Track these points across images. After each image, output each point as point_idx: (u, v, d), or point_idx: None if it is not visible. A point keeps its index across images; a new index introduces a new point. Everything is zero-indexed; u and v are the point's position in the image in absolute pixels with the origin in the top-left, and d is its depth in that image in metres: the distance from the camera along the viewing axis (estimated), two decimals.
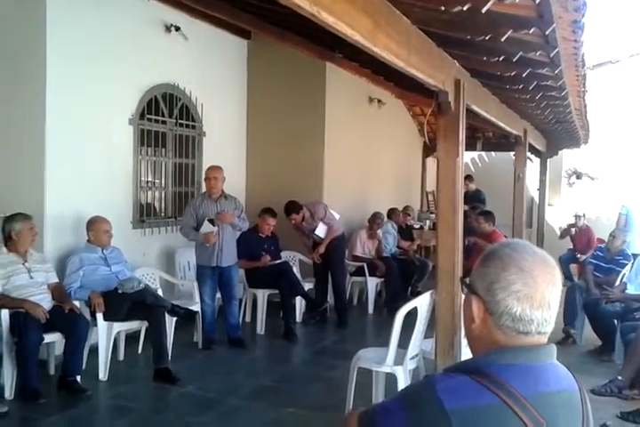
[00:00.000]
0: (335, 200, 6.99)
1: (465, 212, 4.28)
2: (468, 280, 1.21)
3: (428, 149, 11.13)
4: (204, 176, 6.39)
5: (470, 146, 10.01)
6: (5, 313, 4.18)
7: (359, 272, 7.08)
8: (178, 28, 5.94)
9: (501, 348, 1.13)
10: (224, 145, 6.91)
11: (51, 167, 4.80)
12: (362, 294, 7.45)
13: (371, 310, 7.01)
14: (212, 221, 5.24)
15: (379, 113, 8.71)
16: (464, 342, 3.27)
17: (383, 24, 2.35)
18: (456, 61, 3.52)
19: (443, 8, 2.28)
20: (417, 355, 3.73)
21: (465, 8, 2.19)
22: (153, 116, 5.85)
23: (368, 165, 8.07)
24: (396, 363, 3.56)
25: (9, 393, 4.12)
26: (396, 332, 3.47)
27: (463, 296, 1.23)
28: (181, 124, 6.26)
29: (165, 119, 6.05)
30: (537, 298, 1.12)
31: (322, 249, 6.31)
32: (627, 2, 20.54)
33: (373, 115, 8.58)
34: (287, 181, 7.14)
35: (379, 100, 8.60)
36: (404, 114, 10.56)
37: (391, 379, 3.65)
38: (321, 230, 6.35)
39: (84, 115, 5.08)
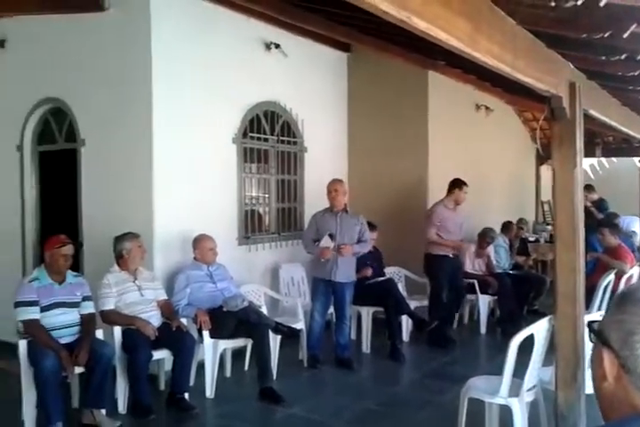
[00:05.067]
0: None
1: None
2: (597, 326, 0.99)
3: (542, 157, 10.50)
4: (307, 192, 6.42)
5: (589, 152, 9.33)
6: (118, 330, 4.34)
7: (470, 289, 6.71)
8: (277, 46, 5.99)
9: None
10: (325, 160, 6.86)
11: (158, 187, 4.96)
12: (473, 313, 7.07)
13: (483, 329, 6.62)
14: (331, 236, 5.18)
15: (486, 120, 8.32)
16: (588, 372, 2.93)
17: (484, 26, 2.14)
18: (570, 63, 3.20)
19: (553, 4, 2.04)
20: (534, 386, 3.39)
21: (579, 2, 1.94)
22: (255, 134, 5.92)
23: (476, 175, 7.68)
24: (510, 394, 3.25)
25: (122, 408, 4.26)
26: (510, 361, 3.17)
27: (591, 345, 1.01)
28: (283, 141, 6.29)
29: (267, 137, 6.11)
30: None
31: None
32: None
33: (481, 123, 8.20)
34: (390, 194, 6.97)
35: (486, 107, 8.22)
36: (515, 120, 10.04)
37: (506, 410, 3.35)
38: None
39: (189, 136, 5.22)
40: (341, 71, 7.21)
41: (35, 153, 5.84)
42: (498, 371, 3.31)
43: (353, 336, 6.09)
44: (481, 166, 8.16)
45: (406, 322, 6.06)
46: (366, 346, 5.83)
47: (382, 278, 6.03)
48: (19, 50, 5.73)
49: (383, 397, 4.65)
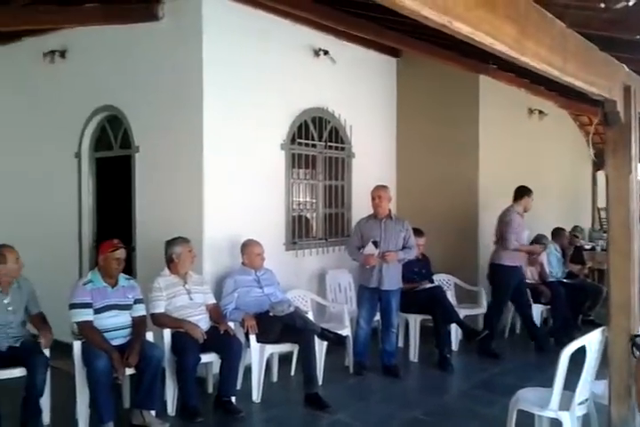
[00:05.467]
0: (492, 220, 6.57)
1: None
2: None
3: (599, 162, 10.15)
4: (354, 197, 6.41)
5: None
6: (167, 333, 4.43)
7: None
8: (326, 52, 6.02)
9: None
10: (373, 165, 6.84)
11: (208, 193, 5.04)
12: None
13: None
14: (375, 244, 5.16)
15: (540, 125, 8.11)
16: None
17: (531, 30, 2.09)
18: (624, 65, 3.08)
19: (602, 5, 1.97)
20: (587, 399, 3.27)
21: (631, 3, 1.87)
22: (303, 140, 5.96)
23: (529, 181, 7.49)
24: (561, 407, 3.14)
25: (171, 409, 4.35)
26: (560, 373, 3.07)
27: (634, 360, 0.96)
28: (331, 147, 6.31)
29: (315, 142, 6.14)
30: None
31: None
32: None
33: (534, 127, 8.00)
34: (439, 200, 6.89)
35: (540, 112, 8.02)
36: (570, 124, 9.75)
37: (556, 424, 3.24)
38: None
39: (238, 142, 5.30)
40: (390, 76, 7.18)
41: (92, 159, 6.05)
42: (549, 383, 3.21)
43: (400, 344, 6.02)
44: (534, 172, 7.95)
45: (455, 331, 5.96)
46: (414, 354, 5.75)
47: (430, 286, 5.95)
48: (78, 60, 5.96)
49: (430, 406, 4.58)
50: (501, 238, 5.91)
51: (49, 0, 4.40)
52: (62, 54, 6.00)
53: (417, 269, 5.94)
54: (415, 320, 5.80)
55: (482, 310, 6.24)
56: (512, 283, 5.93)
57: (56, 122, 6.19)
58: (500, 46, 1.94)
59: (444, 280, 6.47)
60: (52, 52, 5.99)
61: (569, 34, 2.43)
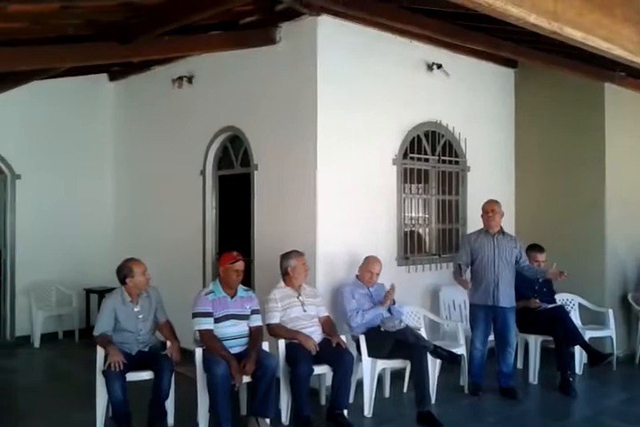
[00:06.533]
0: (621, 239, 6.16)
1: None
2: None
3: None
4: (469, 212, 6.26)
5: None
6: (282, 343, 4.55)
7: None
8: (440, 66, 5.98)
9: None
10: (490, 179, 6.65)
11: (322, 208, 5.17)
12: None
13: None
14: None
15: None
16: None
17: None
18: None
19: None
20: None
21: None
22: (416, 155, 5.94)
23: None
24: None
25: (285, 419, 4.44)
26: None
27: None
28: (444, 161, 6.23)
29: (428, 157, 6.09)
30: None
31: None
32: None
33: None
34: (561, 214, 6.55)
35: None
36: None
37: None
38: None
39: (351, 158, 5.40)
40: (508, 88, 6.98)
41: (215, 177, 6.42)
42: None
43: (519, 365, 5.77)
44: None
45: (580, 353, 5.60)
46: (533, 376, 5.47)
47: (552, 305, 5.64)
48: (203, 84, 6.38)
49: None
50: None
51: (175, 31, 4.76)
52: (189, 80, 6.45)
53: (537, 288, 5.67)
54: (536, 341, 5.52)
55: (609, 332, 5.83)
56: None
57: (183, 142, 6.65)
58: (618, 51, 1.85)
59: (567, 300, 6.11)
60: (180, 78, 6.46)
61: None
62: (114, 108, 7.80)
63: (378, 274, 5.04)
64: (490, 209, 5.17)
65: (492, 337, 5.31)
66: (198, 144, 6.40)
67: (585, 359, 5.67)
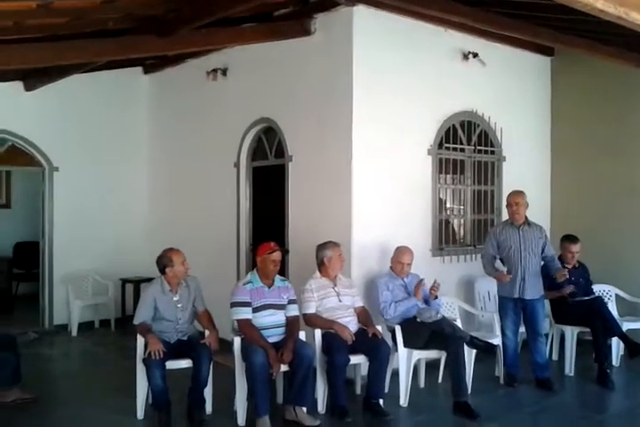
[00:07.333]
0: None
1: None
2: None
3: None
4: (504, 202, 6.21)
5: None
6: (318, 333, 4.60)
7: None
8: (475, 55, 5.92)
9: None
10: (526, 169, 6.57)
11: (356, 198, 5.19)
12: None
13: None
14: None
15: None
16: None
17: None
18: None
19: None
20: None
21: None
22: (451, 145, 5.90)
23: None
24: None
25: (321, 407, 4.49)
26: None
27: None
28: (480, 151, 6.18)
29: (464, 146, 6.04)
30: None
31: None
32: None
33: None
34: (598, 203, 6.46)
35: None
36: None
37: None
38: None
39: (386, 149, 5.39)
40: (544, 76, 6.87)
41: (249, 168, 6.47)
42: None
43: (555, 357, 5.75)
44: None
45: (617, 345, 5.54)
46: (569, 368, 5.44)
47: (590, 297, 5.57)
48: (237, 76, 6.41)
49: (588, 423, 4.32)
50: None
51: (211, 23, 4.79)
52: (224, 72, 6.49)
53: (573, 279, 5.60)
54: (572, 332, 5.48)
55: None
56: None
57: (218, 134, 6.71)
58: None
59: (604, 291, 6.04)
60: (215, 71, 6.50)
61: None
62: (148, 101, 7.90)
63: (409, 264, 5.03)
64: (514, 202, 5.11)
65: (522, 329, 5.29)
66: (232, 136, 6.45)
67: (622, 351, 5.61)
